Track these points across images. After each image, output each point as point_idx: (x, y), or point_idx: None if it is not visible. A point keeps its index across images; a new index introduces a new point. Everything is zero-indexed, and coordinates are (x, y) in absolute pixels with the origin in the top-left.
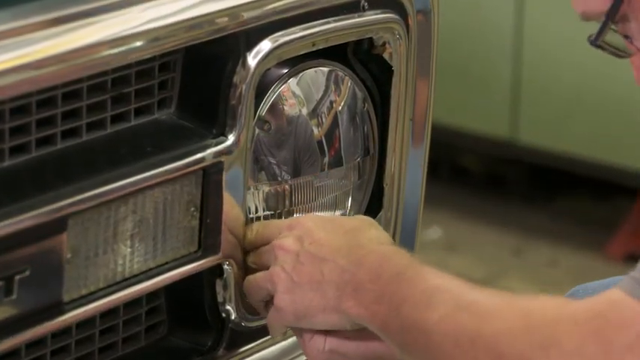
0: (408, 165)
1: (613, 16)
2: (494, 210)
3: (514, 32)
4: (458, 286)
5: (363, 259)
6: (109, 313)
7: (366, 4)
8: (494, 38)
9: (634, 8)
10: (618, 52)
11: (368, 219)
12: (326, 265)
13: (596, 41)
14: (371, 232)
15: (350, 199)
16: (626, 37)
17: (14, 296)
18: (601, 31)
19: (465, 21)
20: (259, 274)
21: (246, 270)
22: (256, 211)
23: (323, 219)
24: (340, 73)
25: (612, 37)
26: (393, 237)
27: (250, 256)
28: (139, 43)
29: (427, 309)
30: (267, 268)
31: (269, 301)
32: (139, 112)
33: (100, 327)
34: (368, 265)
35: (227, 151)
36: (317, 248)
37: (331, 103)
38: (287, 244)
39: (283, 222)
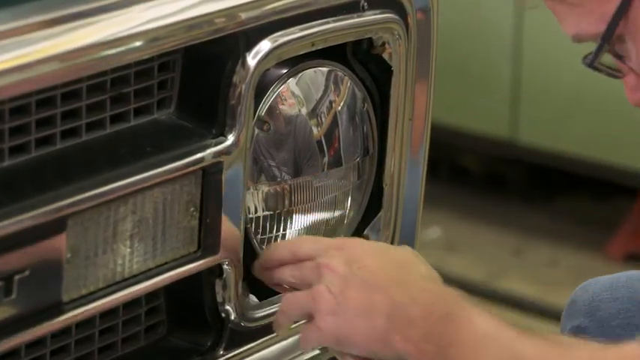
0: (408, 165)
1: (609, 37)
2: (494, 210)
3: (514, 32)
4: (506, 333)
5: (416, 295)
6: (108, 313)
7: (365, 4)
8: (494, 38)
9: (630, 30)
10: (614, 73)
11: (414, 252)
12: (377, 294)
13: (594, 63)
14: (421, 269)
15: (349, 199)
16: (617, 56)
17: (14, 296)
18: (598, 53)
19: (465, 21)
20: (300, 293)
21: (246, 270)
22: (256, 211)
23: (372, 245)
24: (340, 73)
25: (605, 57)
26: (393, 237)
27: (289, 269)
28: (138, 43)
29: (474, 356)
30: (306, 284)
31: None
32: (138, 112)
33: (99, 327)
34: (421, 302)
35: (226, 151)
36: (367, 275)
37: (331, 103)
38: (334, 265)
39: (331, 241)
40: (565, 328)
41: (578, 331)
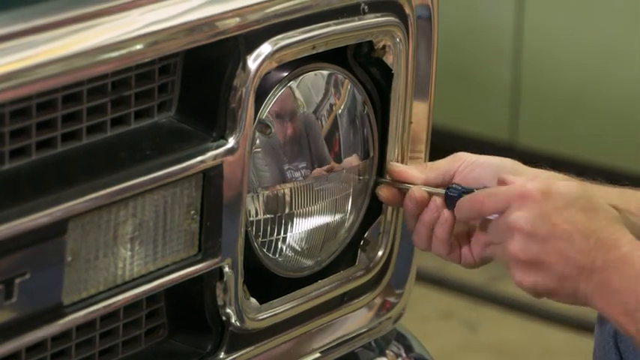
0: None
1: None
2: None
3: (514, 34)
4: None
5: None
6: (109, 316)
7: (366, 7)
8: (494, 40)
9: None
10: None
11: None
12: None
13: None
14: (602, 213)
15: (350, 202)
16: None
17: (14, 299)
18: None
19: (465, 23)
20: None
21: (247, 273)
22: (256, 214)
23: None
24: (340, 76)
25: None
26: (393, 240)
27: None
28: (139, 46)
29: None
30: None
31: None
32: (139, 115)
33: (100, 330)
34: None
35: (227, 154)
36: (557, 233)
37: (331, 106)
38: (522, 225)
39: (510, 192)
40: (604, 328)
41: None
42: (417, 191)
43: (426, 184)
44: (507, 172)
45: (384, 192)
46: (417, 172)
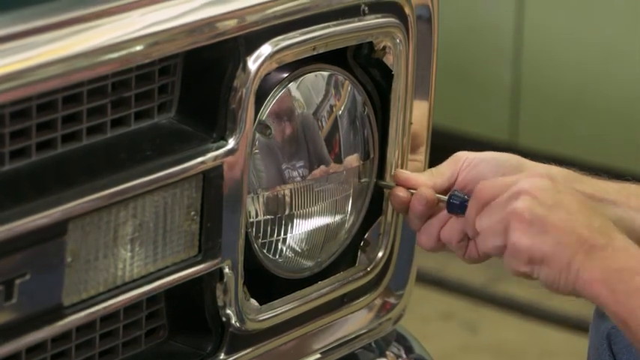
0: (408, 169)
1: None
2: None
3: (514, 34)
4: None
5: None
6: (109, 317)
7: (366, 8)
8: (494, 40)
9: None
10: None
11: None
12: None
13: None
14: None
15: (350, 203)
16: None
17: (14, 300)
18: None
19: (465, 24)
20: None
21: (247, 274)
22: (256, 215)
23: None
24: (340, 77)
25: None
26: (393, 242)
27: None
28: (139, 47)
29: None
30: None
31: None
32: (139, 116)
33: (100, 331)
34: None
35: (227, 155)
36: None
37: (331, 107)
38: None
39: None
40: (598, 330)
41: (613, 332)
42: (426, 191)
43: (434, 190)
44: (510, 166)
45: (396, 197)
46: (425, 179)
